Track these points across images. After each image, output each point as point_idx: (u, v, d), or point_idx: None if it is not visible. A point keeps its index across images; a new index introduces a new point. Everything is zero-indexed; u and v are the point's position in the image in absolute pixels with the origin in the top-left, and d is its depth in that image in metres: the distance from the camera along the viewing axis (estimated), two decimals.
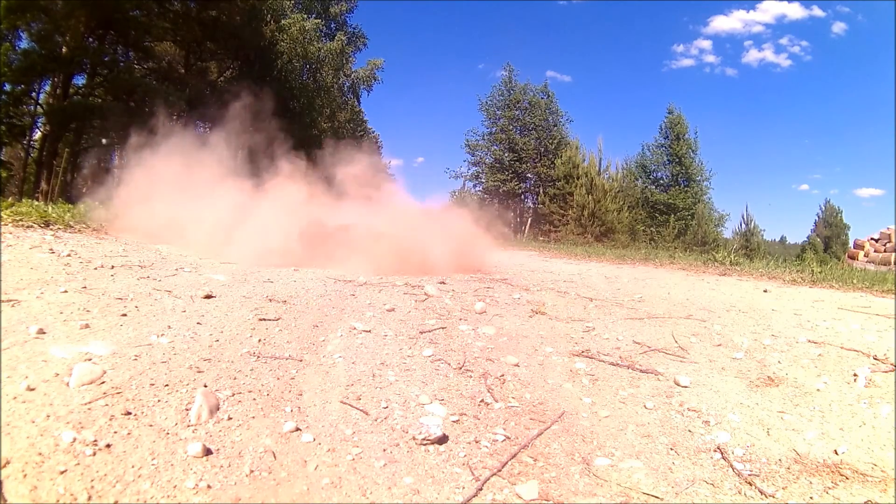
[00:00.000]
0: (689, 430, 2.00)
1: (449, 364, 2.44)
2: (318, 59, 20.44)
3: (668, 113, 25.30)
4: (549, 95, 26.85)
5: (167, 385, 1.82)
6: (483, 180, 26.66)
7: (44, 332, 2.12)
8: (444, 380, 2.26)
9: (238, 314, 2.79)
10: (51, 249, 3.99)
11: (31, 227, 5.15)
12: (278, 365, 2.19)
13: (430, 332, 2.91)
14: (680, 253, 13.37)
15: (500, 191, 25.64)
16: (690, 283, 6.10)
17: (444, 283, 4.48)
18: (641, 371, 2.57)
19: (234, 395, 1.86)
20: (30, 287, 2.78)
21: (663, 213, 23.82)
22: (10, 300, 2.48)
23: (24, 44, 14.09)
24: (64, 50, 13.88)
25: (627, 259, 10.05)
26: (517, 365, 2.54)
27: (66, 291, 2.77)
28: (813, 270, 7.21)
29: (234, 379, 1.98)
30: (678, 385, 2.41)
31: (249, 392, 1.90)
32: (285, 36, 19.03)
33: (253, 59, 18.62)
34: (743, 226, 23.86)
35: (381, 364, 2.35)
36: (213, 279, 3.71)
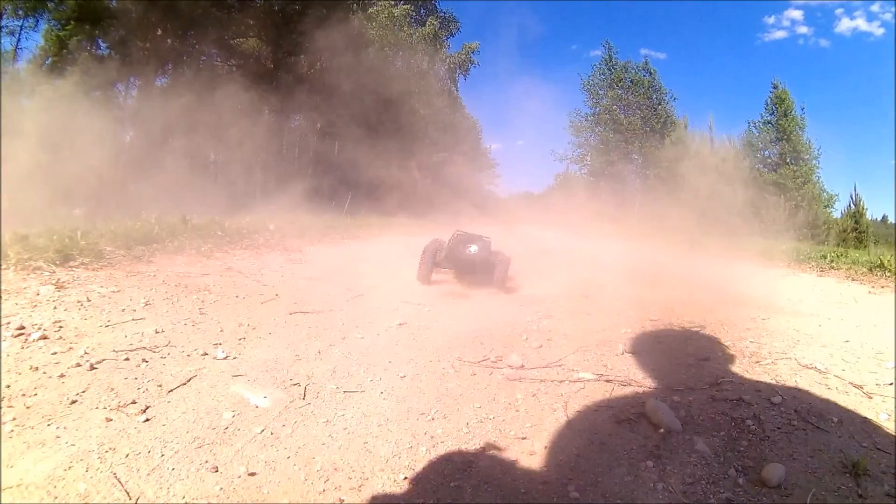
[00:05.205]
0: None
1: None
2: (410, 44, 20.40)
3: (773, 87, 22.38)
4: (651, 73, 24.92)
5: None
6: (588, 162, 25.46)
7: None
8: None
9: None
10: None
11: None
12: None
13: None
14: (834, 255, 9.57)
15: (606, 172, 24.35)
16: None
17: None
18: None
19: None
20: None
21: (773, 193, 21.31)
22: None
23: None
24: (143, 52, 13.85)
25: (773, 258, 8.10)
26: None
27: None
28: None
29: None
30: None
31: None
32: (374, 24, 19.32)
33: (343, 50, 19.17)
34: (852, 206, 20.52)
35: None
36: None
